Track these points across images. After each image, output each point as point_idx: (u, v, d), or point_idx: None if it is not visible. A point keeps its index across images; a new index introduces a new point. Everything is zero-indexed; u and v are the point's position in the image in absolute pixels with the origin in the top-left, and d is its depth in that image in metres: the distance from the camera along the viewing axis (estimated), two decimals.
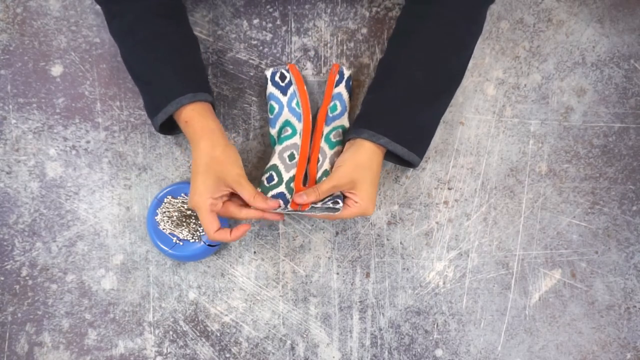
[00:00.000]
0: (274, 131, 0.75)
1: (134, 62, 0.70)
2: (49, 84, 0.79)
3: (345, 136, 0.72)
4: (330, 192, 0.68)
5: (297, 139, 0.73)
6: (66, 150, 0.78)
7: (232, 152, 0.67)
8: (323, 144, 0.73)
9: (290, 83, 0.76)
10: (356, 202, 0.67)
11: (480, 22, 0.71)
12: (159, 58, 0.68)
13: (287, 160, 0.72)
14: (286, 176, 0.72)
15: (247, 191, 0.66)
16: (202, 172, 0.65)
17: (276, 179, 0.71)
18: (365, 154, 0.67)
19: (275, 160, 0.72)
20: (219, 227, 0.65)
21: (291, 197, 0.70)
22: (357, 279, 0.77)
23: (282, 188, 0.71)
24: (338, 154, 0.73)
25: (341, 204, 0.67)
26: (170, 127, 0.73)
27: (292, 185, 0.71)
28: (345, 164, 0.67)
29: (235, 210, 0.67)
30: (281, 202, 0.69)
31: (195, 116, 0.67)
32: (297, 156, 0.73)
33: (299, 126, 0.74)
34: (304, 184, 0.72)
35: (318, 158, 0.73)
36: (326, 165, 0.72)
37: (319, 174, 0.72)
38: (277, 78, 0.76)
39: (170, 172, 0.77)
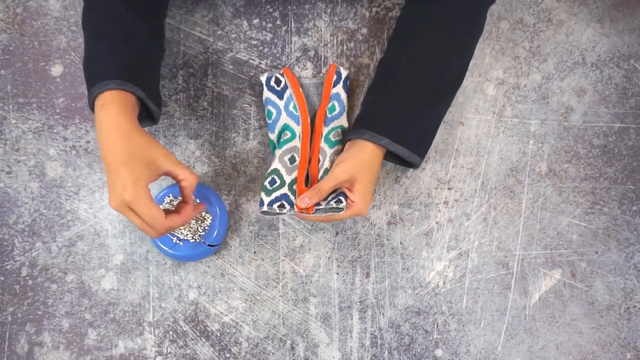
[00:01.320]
0: (273, 136, 0.75)
1: (85, 28, 0.66)
2: (49, 84, 0.79)
3: (346, 136, 0.72)
4: (332, 190, 0.68)
5: (296, 142, 0.73)
6: (66, 150, 0.78)
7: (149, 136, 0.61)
8: (323, 144, 0.73)
9: (285, 87, 0.76)
10: (353, 202, 0.67)
11: (481, 23, 0.71)
12: (107, 35, 0.63)
13: (288, 163, 0.72)
14: (288, 179, 0.72)
15: (186, 170, 0.61)
16: (127, 158, 0.57)
17: (278, 182, 0.71)
18: (366, 154, 0.67)
19: (276, 164, 0.72)
20: (163, 214, 0.60)
21: (294, 198, 0.70)
22: (357, 279, 0.77)
23: (284, 189, 0.71)
24: (338, 152, 0.73)
25: (344, 203, 0.67)
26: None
27: (294, 187, 0.71)
28: (346, 161, 0.67)
29: (165, 218, 0.60)
30: (286, 203, 0.69)
31: (114, 100, 0.60)
32: (297, 159, 0.73)
33: (297, 129, 0.74)
34: (306, 185, 0.72)
35: (319, 158, 0.73)
36: (327, 164, 0.72)
37: (321, 173, 0.72)
38: (272, 83, 0.76)
39: None
